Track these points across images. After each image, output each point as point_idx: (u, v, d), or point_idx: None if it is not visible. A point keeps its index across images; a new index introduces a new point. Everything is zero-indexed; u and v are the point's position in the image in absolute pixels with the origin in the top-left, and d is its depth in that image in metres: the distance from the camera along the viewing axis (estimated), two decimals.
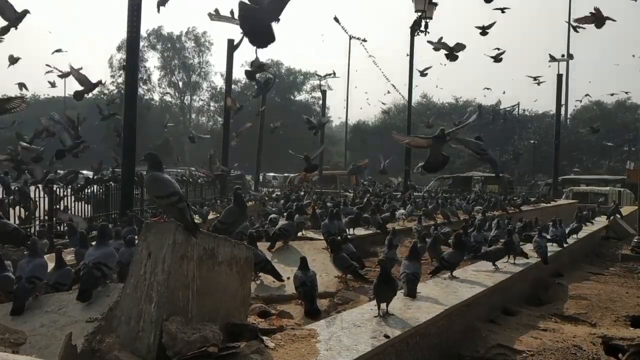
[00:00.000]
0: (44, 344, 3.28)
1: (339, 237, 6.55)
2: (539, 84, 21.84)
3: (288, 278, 5.60)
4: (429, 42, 10.89)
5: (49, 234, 7.20)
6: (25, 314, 3.71)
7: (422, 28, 18.21)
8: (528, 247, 7.06)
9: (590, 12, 7.12)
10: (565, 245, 8.09)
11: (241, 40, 15.83)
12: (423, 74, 18.68)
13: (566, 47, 32.54)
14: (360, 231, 8.76)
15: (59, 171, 12.30)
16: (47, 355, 3.04)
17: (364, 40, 39.88)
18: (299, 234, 7.98)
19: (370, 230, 9.04)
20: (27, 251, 5.56)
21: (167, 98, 66.57)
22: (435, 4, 16.37)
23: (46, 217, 9.42)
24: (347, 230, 8.02)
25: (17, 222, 8.50)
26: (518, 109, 57.78)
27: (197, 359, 2.81)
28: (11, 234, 5.94)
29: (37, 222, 9.20)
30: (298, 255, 5.48)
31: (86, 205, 10.83)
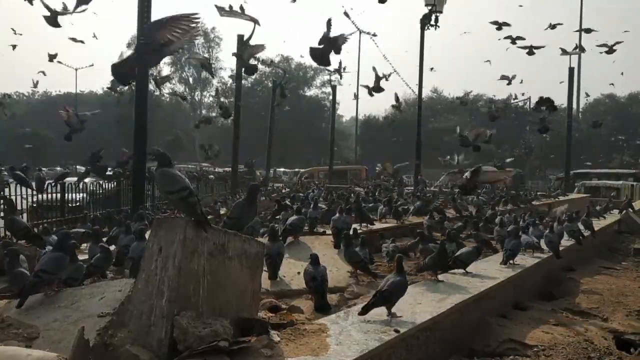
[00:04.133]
0: (57, 338, 3.31)
1: (348, 232, 6.54)
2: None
3: (299, 273, 5.61)
4: None
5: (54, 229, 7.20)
6: (39, 308, 3.75)
7: (432, 22, 18.17)
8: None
9: None
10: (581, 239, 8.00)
11: (251, 36, 15.82)
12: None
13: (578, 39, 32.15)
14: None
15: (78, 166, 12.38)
16: (60, 349, 3.06)
17: (374, 35, 39.63)
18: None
19: (384, 224, 9.04)
20: (38, 248, 5.62)
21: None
22: None
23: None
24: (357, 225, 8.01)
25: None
26: (529, 103, 57.34)
27: (208, 354, 2.82)
28: (20, 232, 5.97)
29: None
30: (309, 251, 5.48)
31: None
